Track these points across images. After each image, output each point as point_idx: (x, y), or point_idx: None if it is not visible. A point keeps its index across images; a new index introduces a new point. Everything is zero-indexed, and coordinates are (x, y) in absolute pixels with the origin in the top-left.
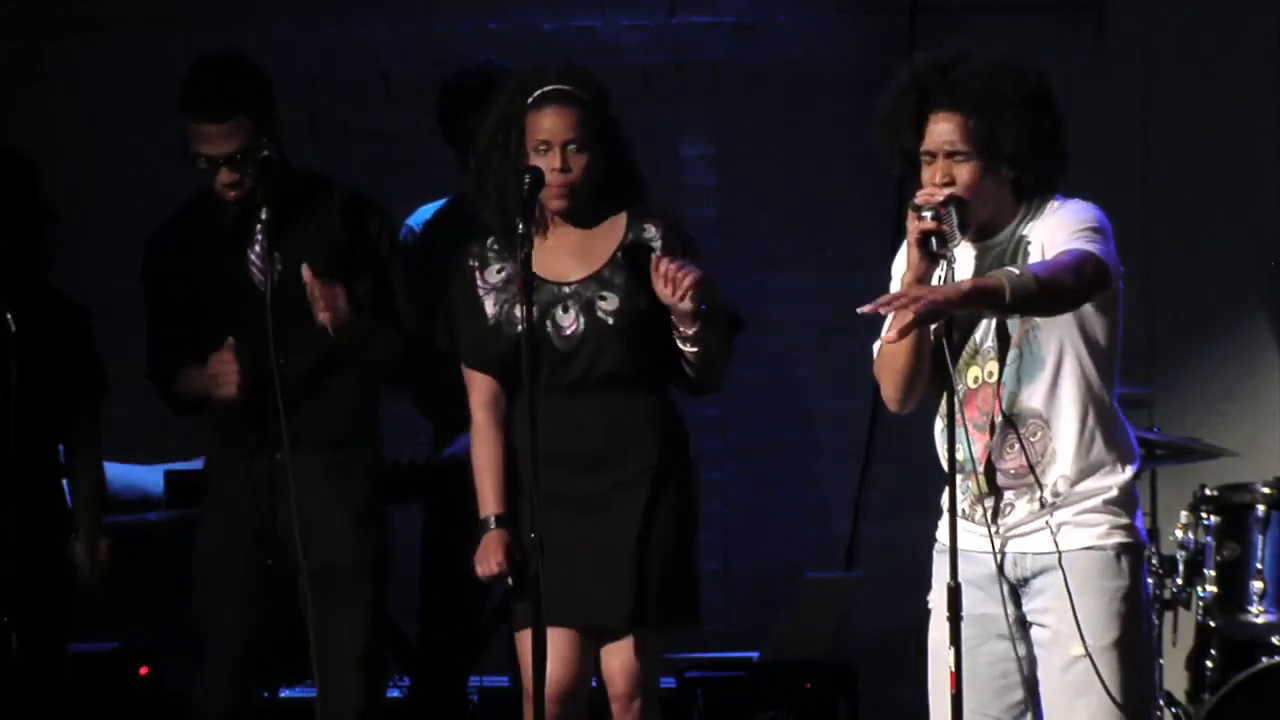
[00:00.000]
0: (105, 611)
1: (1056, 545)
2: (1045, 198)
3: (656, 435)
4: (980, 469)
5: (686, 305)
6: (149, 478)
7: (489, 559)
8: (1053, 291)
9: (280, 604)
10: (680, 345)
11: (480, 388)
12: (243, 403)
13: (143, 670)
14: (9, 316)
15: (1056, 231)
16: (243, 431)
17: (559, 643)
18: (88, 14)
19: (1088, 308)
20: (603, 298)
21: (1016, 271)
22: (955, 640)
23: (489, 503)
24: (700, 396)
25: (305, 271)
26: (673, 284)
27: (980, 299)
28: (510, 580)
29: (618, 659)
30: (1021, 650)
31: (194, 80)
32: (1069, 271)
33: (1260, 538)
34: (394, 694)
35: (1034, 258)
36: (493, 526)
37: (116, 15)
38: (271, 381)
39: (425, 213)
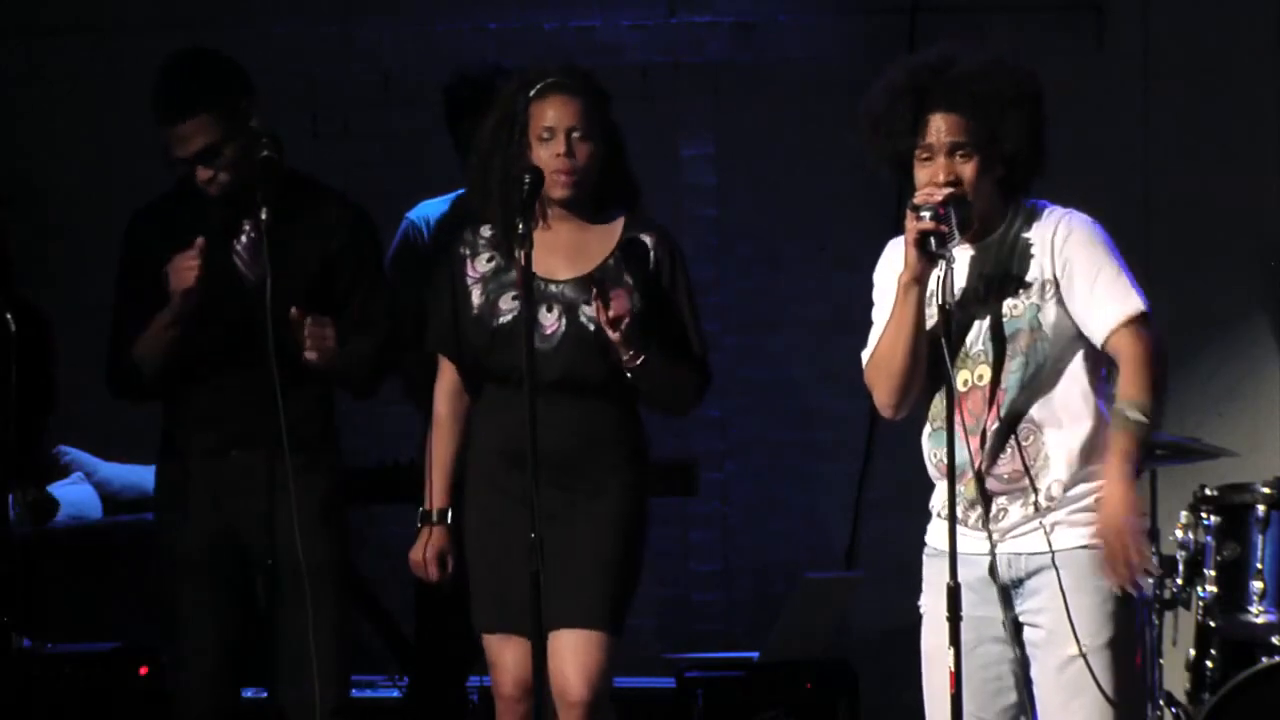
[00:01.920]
0: (106, 611)
1: (1050, 545)
2: (1036, 202)
3: (618, 446)
4: (972, 473)
5: (613, 335)
6: (149, 478)
7: (430, 562)
8: (1160, 396)
9: (249, 603)
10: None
11: (447, 376)
12: (194, 307)
13: (142, 670)
14: (9, 317)
15: (1087, 269)
16: (201, 432)
17: (516, 650)
18: (87, 14)
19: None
20: (588, 303)
21: (1134, 419)
22: (955, 640)
23: (437, 496)
24: (662, 415)
25: (294, 312)
26: (602, 312)
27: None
28: (441, 586)
29: (560, 661)
30: (1015, 652)
31: (157, 85)
32: (1159, 364)
33: (1260, 538)
34: (393, 694)
35: (1037, 265)
36: (434, 521)
37: (116, 15)
38: (233, 383)
39: (426, 207)
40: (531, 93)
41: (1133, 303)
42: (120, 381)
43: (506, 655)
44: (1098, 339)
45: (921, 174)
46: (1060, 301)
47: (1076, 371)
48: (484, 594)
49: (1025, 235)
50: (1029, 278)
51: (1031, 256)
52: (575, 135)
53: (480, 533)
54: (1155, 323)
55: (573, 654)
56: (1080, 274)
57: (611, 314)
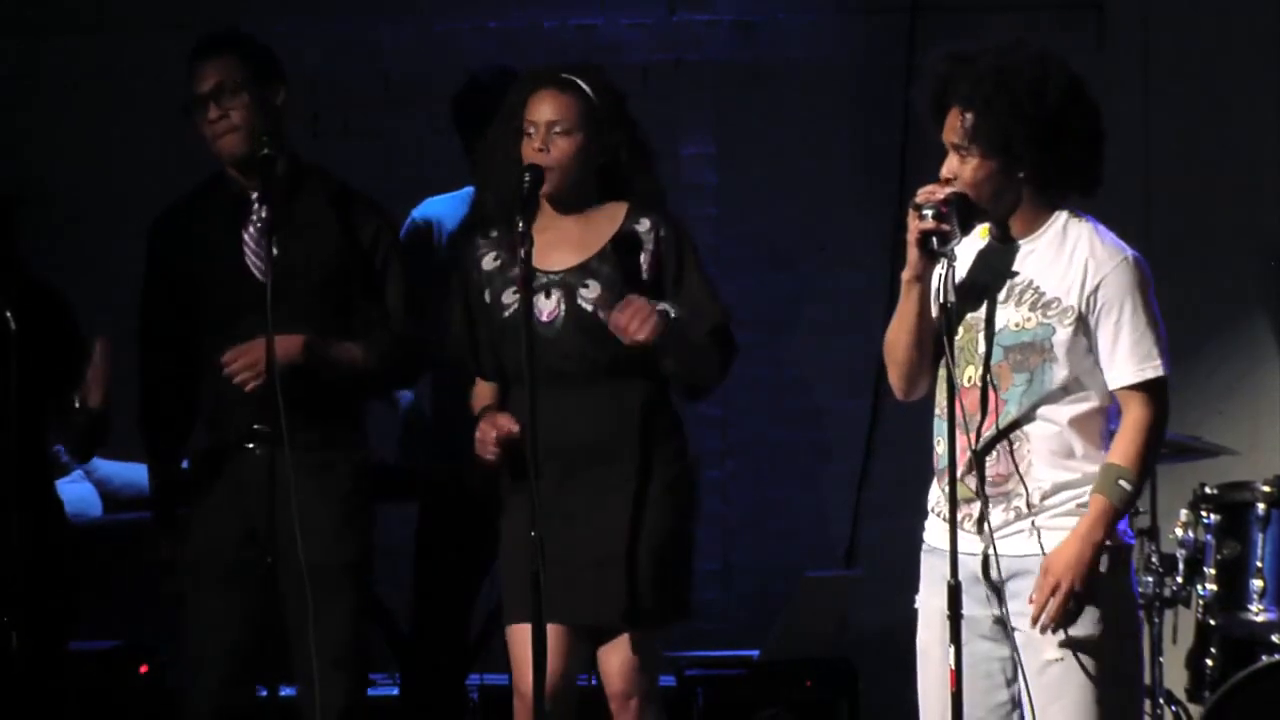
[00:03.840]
0: (105, 610)
1: (1030, 549)
2: (1086, 218)
3: (644, 427)
4: (961, 471)
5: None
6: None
7: (487, 436)
8: (1151, 467)
9: (267, 601)
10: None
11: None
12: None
13: (143, 669)
14: (9, 315)
15: (1116, 315)
16: (232, 428)
17: (550, 639)
18: (87, 14)
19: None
20: (585, 285)
21: (1122, 486)
22: (955, 637)
23: (482, 402)
24: (692, 399)
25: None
26: (624, 333)
27: (1105, 539)
28: (503, 462)
29: (615, 658)
30: (1004, 651)
31: (201, 36)
32: (1157, 435)
33: (1260, 536)
34: (392, 692)
35: (1062, 287)
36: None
37: (116, 15)
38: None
39: (430, 205)
40: (526, 91)
41: (1151, 367)
42: (147, 393)
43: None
44: (1109, 386)
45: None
46: (1080, 332)
47: (1082, 392)
48: (519, 587)
49: (1060, 250)
50: (1049, 294)
51: (1057, 273)
52: (555, 130)
53: (515, 528)
54: (1167, 389)
55: (614, 649)
56: (1109, 318)
57: (640, 334)
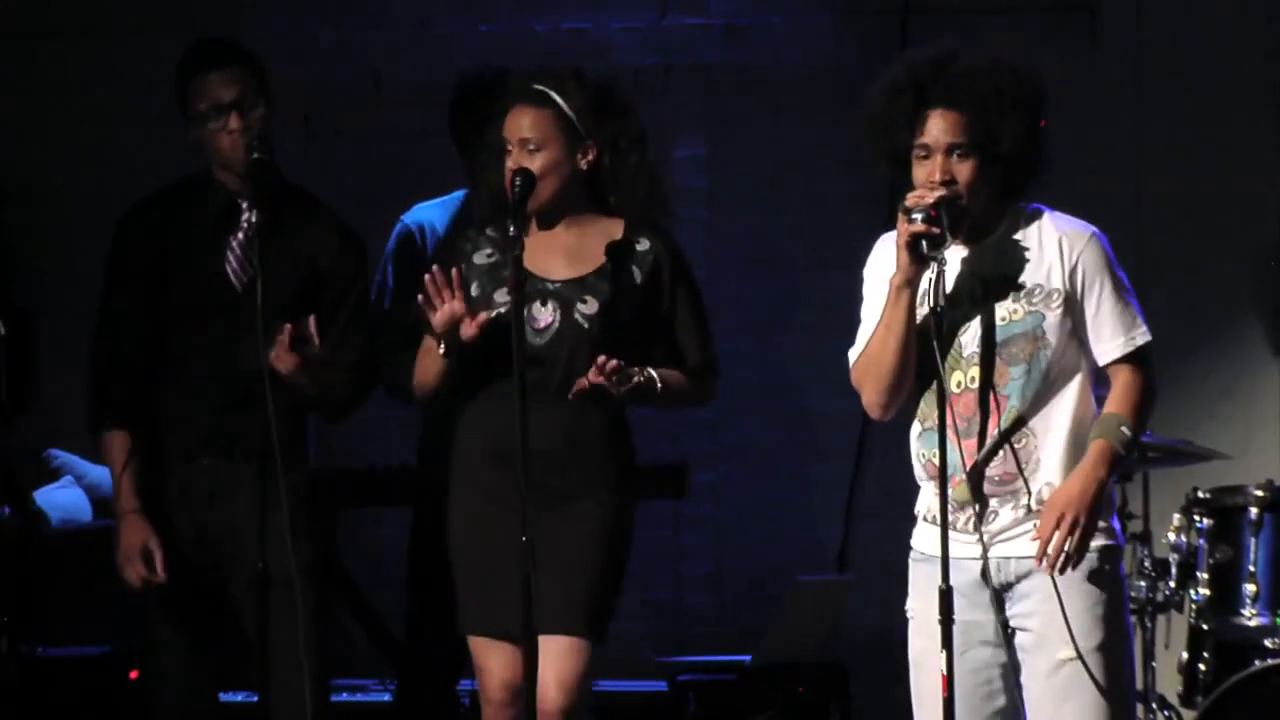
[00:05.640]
0: (95, 616)
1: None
2: (1035, 205)
3: (604, 452)
4: (963, 475)
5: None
6: None
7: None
8: (1144, 427)
9: (222, 609)
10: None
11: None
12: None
13: (133, 674)
14: None
15: (1098, 289)
16: (174, 436)
17: (507, 652)
18: (87, 14)
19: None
20: (584, 300)
21: (1124, 430)
22: (947, 643)
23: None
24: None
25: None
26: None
27: (1108, 477)
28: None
29: (546, 671)
30: (1004, 657)
31: (196, 45)
32: (1151, 397)
33: (1253, 540)
34: (383, 697)
35: (1040, 272)
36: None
37: (116, 15)
38: (207, 387)
39: (420, 211)
40: (507, 104)
41: (1139, 334)
42: (95, 395)
43: (493, 659)
44: (1099, 361)
45: (919, 172)
46: (1068, 314)
47: (1077, 379)
48: (470, 596)
49: (1025, 239)
50: (1030, 283)
51: (1031, 262)
52: (529, 147)
53: (465, 533)
54: (1152, 353)
55: (551, 660)
56: (1091, 294)
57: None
